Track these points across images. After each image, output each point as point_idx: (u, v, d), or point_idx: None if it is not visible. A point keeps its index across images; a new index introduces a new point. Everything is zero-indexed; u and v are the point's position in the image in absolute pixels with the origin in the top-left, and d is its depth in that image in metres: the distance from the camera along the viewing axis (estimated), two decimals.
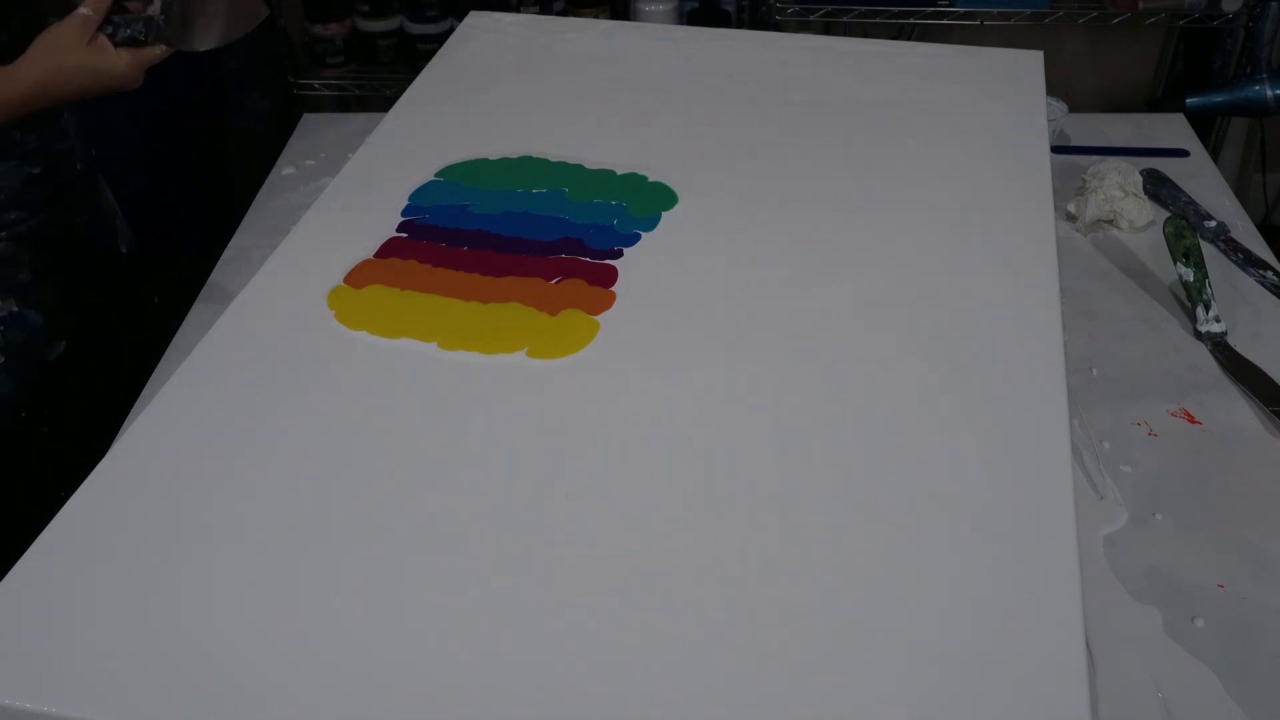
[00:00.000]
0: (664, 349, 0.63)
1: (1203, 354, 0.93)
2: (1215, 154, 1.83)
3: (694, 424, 0.58)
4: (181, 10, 0.87)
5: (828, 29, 1.85)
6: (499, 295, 0.67)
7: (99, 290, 0.89)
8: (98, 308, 1.01)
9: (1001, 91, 0.88)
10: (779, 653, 0.47)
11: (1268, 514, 0.78)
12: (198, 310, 0.99)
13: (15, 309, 0.94)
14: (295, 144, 1.22)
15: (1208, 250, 1.02)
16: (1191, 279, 0.96)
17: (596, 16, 1.80)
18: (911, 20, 1.79)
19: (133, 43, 0.87)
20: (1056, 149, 1.19)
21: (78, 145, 0.98)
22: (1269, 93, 1.66)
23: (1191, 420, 0.86)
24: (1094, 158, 1.15)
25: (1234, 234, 1.06)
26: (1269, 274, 1.01)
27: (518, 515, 0.53)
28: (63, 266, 0.97)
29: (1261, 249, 1.04)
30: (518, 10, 1.82)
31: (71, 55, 0.85)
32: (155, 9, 0.88)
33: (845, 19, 1.77)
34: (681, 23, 1.80)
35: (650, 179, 0.78)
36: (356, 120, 1.29)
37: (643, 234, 0.72)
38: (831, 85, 0.88)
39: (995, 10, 1.73)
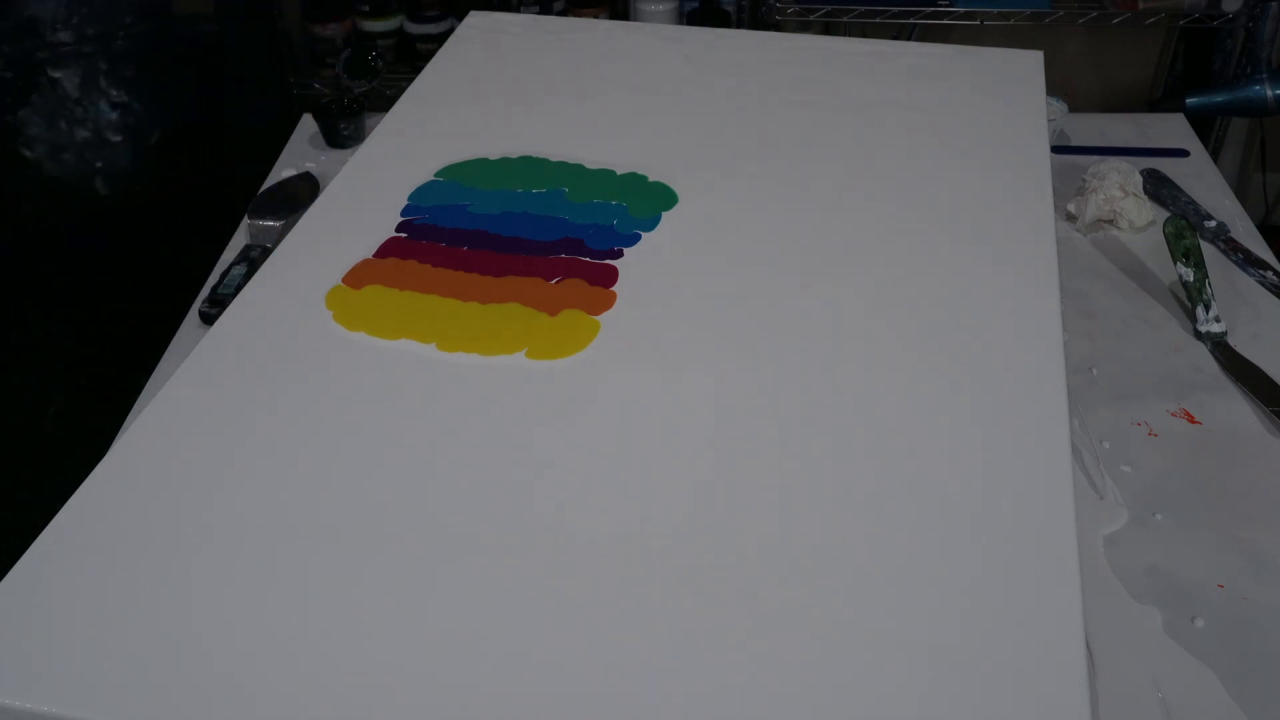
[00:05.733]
0: (664, 349, 0.63)
1: (1203, 354, 0.93)
2: (1215, 154, 1.83)
3: (694, 424, 0.58)
4: None
5: (828, 29, 1.85)
6: (499, 295, 0.67)
7: (189, 85, 1.06)
8: (188, 105, 1.17)
9: (1001, 91, 0.88)
10: (775, 652, 0.47)
11: (1268, 514, 0.78)
12: (197, 310, 0.99)
13: (125, 99, 1.09)
14: (295, 144, 1.22)
15: (1208, 250, 1.02)
16: (1191, 279, 0.96)
17: (596, 16, 1.80)
18: (911, 20, 1.79)
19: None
20: (1056, 149, 1.18)
21: None
22: (1269, 93, 1.66)
23: (1191, 420, 0.86)
24: (1094, 158, 1.15)
25: (1234, 234, 1.06)
26: (1269, 274, 1.01)
27: (517, 516, 0.53)
28: (160, 66, 1.15)
29: (1261, 249, 1.04)
30: (518, 10, 1.82)
31: None
32: None
33: (845, 19, 1.77)
34: (681, 23, 1.81)
35: (650, 179, 0.78)
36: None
37: (643, 234, 0.72)
38: (831, 85, 0.88)
39: (995, 10, 1.72)
